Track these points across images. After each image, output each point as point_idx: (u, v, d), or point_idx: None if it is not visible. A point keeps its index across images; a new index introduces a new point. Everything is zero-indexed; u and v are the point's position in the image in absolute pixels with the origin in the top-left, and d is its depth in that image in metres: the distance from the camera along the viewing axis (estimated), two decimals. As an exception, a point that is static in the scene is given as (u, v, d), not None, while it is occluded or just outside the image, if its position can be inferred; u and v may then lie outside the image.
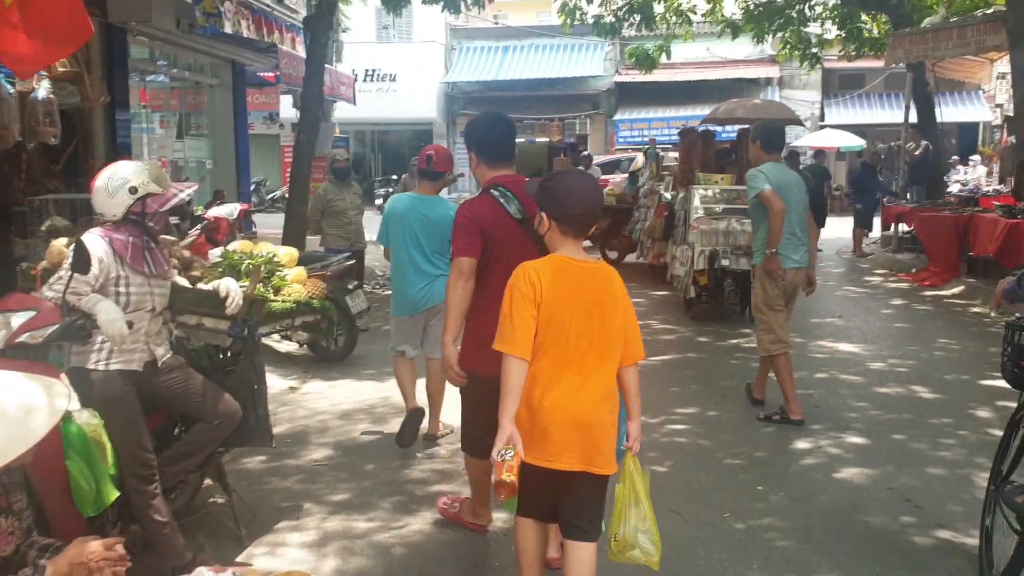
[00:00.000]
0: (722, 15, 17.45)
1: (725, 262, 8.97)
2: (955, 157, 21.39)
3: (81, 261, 3.32)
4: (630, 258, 13.48)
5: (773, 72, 26.47)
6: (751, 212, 6.07)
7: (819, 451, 5.24)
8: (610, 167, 22.37)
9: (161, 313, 3.73)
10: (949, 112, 22.83)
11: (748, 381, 6.36)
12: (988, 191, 16.07)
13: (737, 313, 9.37)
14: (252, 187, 18.53)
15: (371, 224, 8.05)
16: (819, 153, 17.86)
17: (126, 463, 3.50)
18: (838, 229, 16.64)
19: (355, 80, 18.26)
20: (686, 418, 5.92)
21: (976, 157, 20.86)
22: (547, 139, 28.09)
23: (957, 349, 7.93)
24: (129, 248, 3.53)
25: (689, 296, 9.41)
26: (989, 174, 20.99)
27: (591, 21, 16.31)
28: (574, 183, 3.02)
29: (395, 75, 28.24)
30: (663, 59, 18.14)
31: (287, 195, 12.66)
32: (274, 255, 4.41)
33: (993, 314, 9.34)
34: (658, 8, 16.26)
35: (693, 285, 9.26)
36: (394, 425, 5.69)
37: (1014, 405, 3.62)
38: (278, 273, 4.30)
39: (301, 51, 13.40)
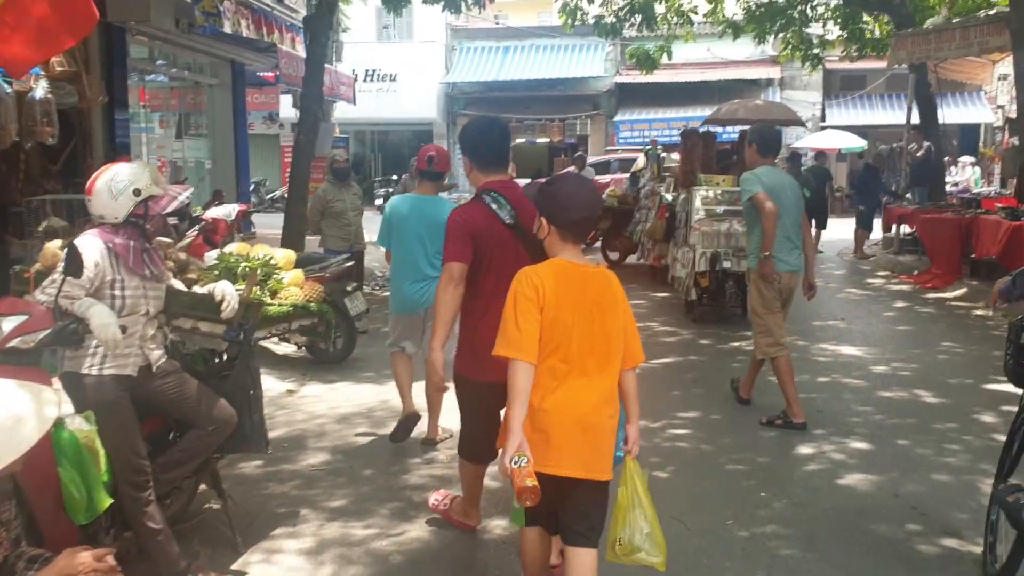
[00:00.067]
0: (723, 15, 17.39)
1: (727, 264, 8.92)
2: (947, 158, 21.34)
3: (74, 265, 3.26)
4: (631, 259, 13.43)
5: (774, 73, 26.40)
6: (745, 215, 6.09)
7: (823, 456, 5.18)
8: (601, 168, 22.30)
9: (156, 317, 3.68)
10: (951, 113, 22.77)
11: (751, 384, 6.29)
12: (981, 192, 16.05)
13: (739, 315, 9.30)
14: (252, 187, 18.49)
15: (371, 225, 7.99)
16: (819, 155, 17.82)
17: (119, 470, 3.45)
18: (839, 231, 16.58)
19: (355, 80, 18.22)
20: (687, 422, 5.86)
21: (966, 158, 20.80)
22: (547, 140, 28.17)
23: (960, 352, 7.87)
24: (131, 251, 3.50)
25: (690, 298, 9.36)
26: (988, 176, 20.96)
27: (592, 21, 16.24)
28: (573, 188, 3.02)
29: (395, 75, 28.19)
30: (664, 60, 18.08)
31: (287, 195, 12.60)
32: (271, 257, 4.35)
33: (991, 313, 9.31)
34: (659, 8, 16.19)
35: (694, 287, 9.21)
36: (392, 428, 5.67)
37: (1017, 408, 3.63)
38: (275, 276, 4.24)
39: (301, 51, 13.34)
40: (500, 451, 2.94)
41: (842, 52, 18.00)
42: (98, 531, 3.49)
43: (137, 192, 3.50)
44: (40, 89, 7.80)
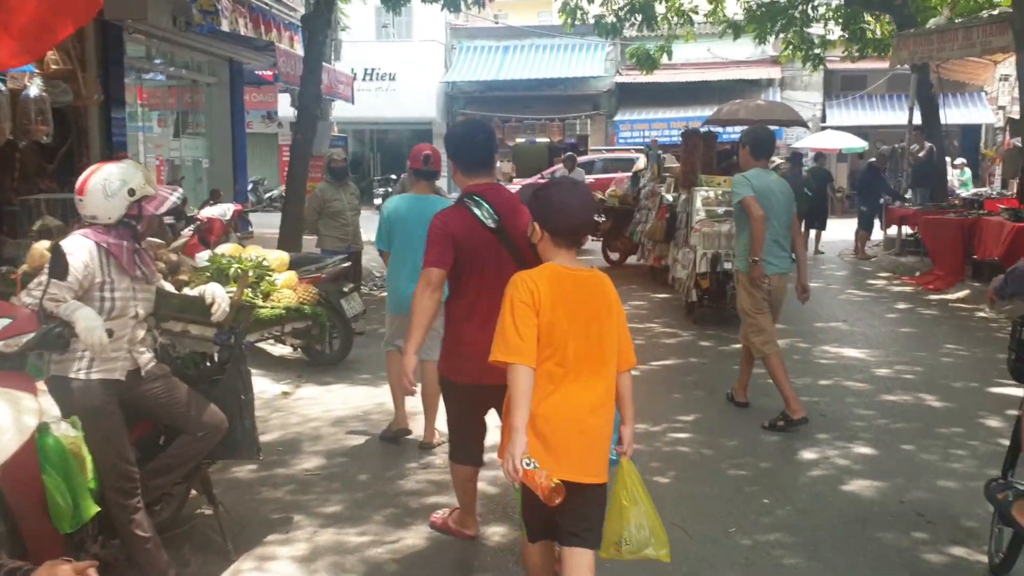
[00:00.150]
0: (724, 15, 17.31)
1: (727, 265, 8.82)
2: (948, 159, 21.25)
3: (59, 266, 3.17)
4: (631, 260, 13.35)
5: (775, 73, 26.32)
6: (735, 217, 6.12)
7: (826, 462, 5.09)
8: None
9: (145, 319, 3.60)
10: (952, 114, 22.64)
11: (751, 387, 6.21)
12: (982, 194, 15.94)
13: (740, 317, 9.20)
14: (250, 186, 18.43)
15: (369, 225, 7.89)
16: (819, 155, 17.73)
17: (107, 476, 3.37)
18: (840, 231, 16.50)
19: (354, 79, 18.14)
20: (688, 426, 5.78)
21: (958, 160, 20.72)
22: (547, 140, 28.08)
23: (964, 355, 7.78)
24: (124, 252, 3.43)
25: (691, 299, 9.28)
26: (989, 177, 20.87)
27: (592, 21, 16.15)
28: (567, 194, 3.01)
29: (394, 74, 28.08)
30: (664, 59, 18.02)
31: (284, 195, 12.52)
32: (263, 259, 4.27)
33: (994, 315, 9.24)
34: (659, 8, 16.11)
35: (695, 288, 9.13)
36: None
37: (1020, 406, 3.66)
38: (268, 278, 4.16)
39: (299, 49, 13.27)
40: (503, 456, 2.90)
41: (843, 52, 17.92)
42: (85, 539, 3.40)
43: (132, 192, 3.44)
44: (34, 87, 7.72)
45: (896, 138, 20.54)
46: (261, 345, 7.19)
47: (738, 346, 8.10)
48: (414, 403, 5.53)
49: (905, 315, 9.89)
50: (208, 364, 3.98)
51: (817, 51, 17.39)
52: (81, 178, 3.49)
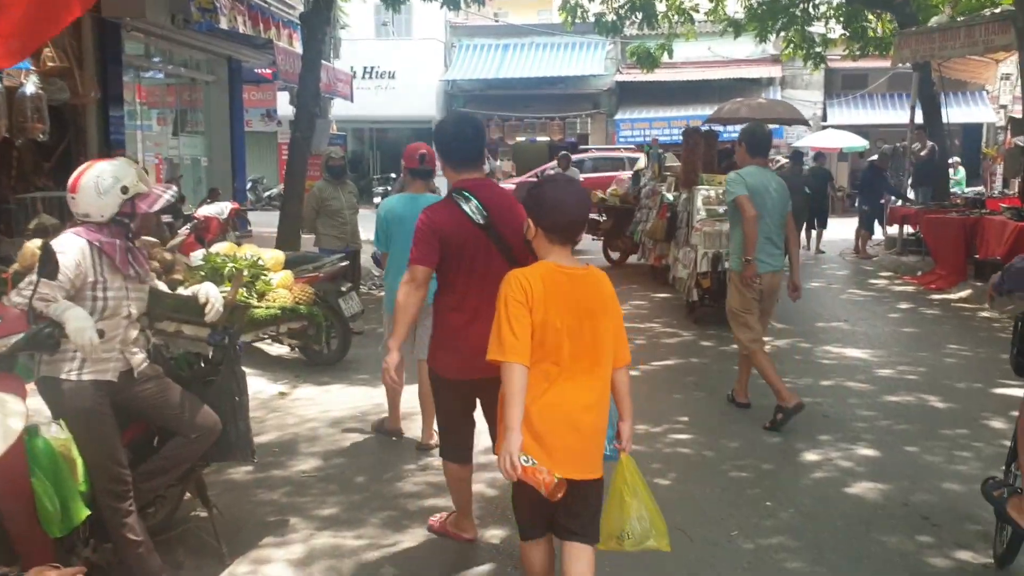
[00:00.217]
0: (724, 14, 17.25)
1: (728, 265, 8.76)
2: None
3: (49, 266, 3.11)
4: (631, 259, 13.29)
5: (775, 72, 26.26)
6: (728, 215, 6.16)
7: (829, 464, 5.03)
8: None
9: (138, 319, 3.54)
10: (953, 113, 22.60)
11: (752, 388, 6.15)
12: (975, 192, 15.89)
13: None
14: (249, 185, 18.36)
15: (368, 223, 7.83)
16: (819, 155, 17.67)
17: (98, 479, 3.31)
18: (841, 231, 16.44)
19: (353, 77, 18.07)
20: (689, 427, 5.72)
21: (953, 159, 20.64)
22: (548, 138, 28.01)
23: (968, 355, 7.72)
24: (117, 250, 3.37)
25: (692, 299, 9.22)
26: (990, 176, 20.80)
27: (592, 19, 16.10)
28: (561, 191, 3.00)
29: (394, 72, 28.01)
30: (664, 58, 17.96)
31: (283, 193, 12.46)
32: (259, 258, 4.21)
33: (996, 314, 9.18)
34: (660, 7, 16.05)
35: (696, 288, 9.06)
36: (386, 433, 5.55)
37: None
38: (263, 277, 4.09)
39: (298, 47, 13.20)
40: (498, 454, 2.91)
41: (844, 51, 17.84)
42: (76, 543, 3.35)
43: (125, 189, 3.39)
44: (30, 85, 7.65)
45: (897, 137, 20.47)
46: (258, 345, 7.13)
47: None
48: (413, 404, 5.48)
49: (907, 315, 9.83)
50: (202, 365, 3.91)
51: (818, 50, 17.33)
52: (73, 176, 3.43)
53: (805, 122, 16.87)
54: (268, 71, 14.53)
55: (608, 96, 27.88)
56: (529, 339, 2.83)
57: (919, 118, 15.36)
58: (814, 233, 15.46)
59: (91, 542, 3.42)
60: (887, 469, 4.93)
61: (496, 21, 29.48)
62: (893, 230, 15.11)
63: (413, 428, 5.56)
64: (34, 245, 4.15)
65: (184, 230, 7.44)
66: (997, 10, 12.94)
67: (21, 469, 2.99)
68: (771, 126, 8.95)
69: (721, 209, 9.37)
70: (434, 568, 3.84)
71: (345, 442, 5.50)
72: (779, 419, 5.58)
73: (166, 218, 8.51)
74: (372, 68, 27.51)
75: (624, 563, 3.65)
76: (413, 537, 4.11)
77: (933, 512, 4.33)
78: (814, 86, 26.82)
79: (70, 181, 3.42)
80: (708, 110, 18.34)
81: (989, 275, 10.70)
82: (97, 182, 3.36)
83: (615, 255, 13.65)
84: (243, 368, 3.89)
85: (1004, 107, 23.15)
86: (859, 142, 24.29)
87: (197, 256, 4.51)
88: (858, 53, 17.10)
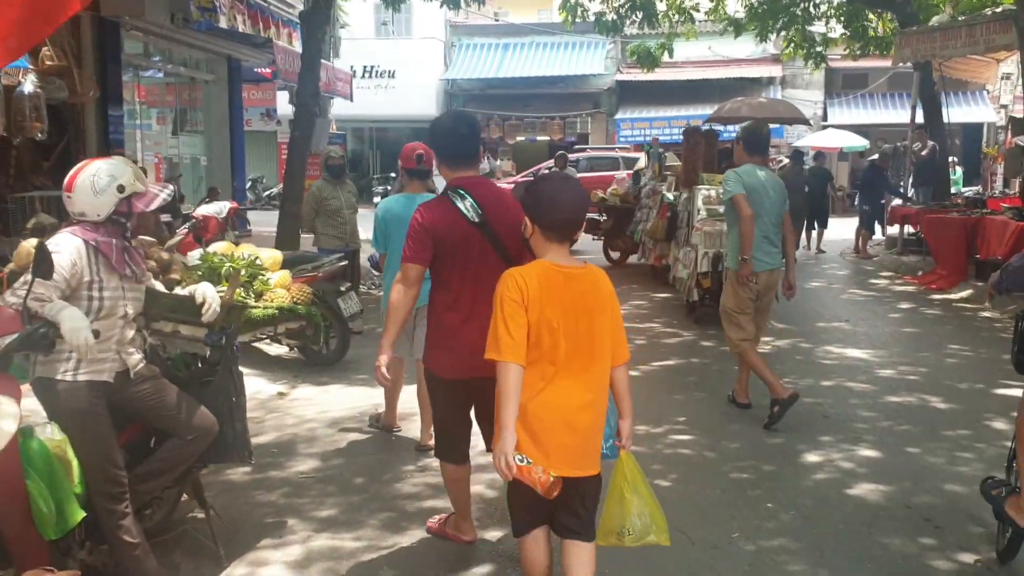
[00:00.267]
0: (725, 13, 17.21)
1: (726, 263, 8.73)
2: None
3: (44, 265, 3.08)
4: (632, 259, 13.26)
5: (776, 71, 26.23)
6: (725, 214, 6.16)
7: (831, 465, 5.00)
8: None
9: (134, 320, 3.51)
10: (954, 112, 22.56)
11: (752, 389, 6.12)
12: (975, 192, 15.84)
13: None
14: (248, 184, 18.33)
15: (367, 223, 7.80)
16: (819, 155, 17.63)
17: (94, 481, 3.28)
18: (841, 231, 16.41)
19: (353, 76, 18.05)
20: (690, 428, 5.69)
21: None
22: (548, 138, 27.98)
23: (969, 356, 7.69)
24: (114, 249, 3.34)
25: (692, 299, 9.19)
26: (991, 176, 20.75)
27: (593, 19, 16.05)
28: (557, 188, 2.99)
29: (394, 71, 27.98)
30: (665, 58, 17.92)
31: (282, 192, 12.43)
32: (256, 258, 4.18)
33: (990, 308, 9.16)
34: (660, 6, 16.00)
35: (696, 288, 9.04)
36: (386, 433, 5.51)
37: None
38: (260, 277, 4.06)
39: (298, 47, 13.17)
40: (493, 453, 2.89)
41: (845, 50, 17.80)
42: (71, 546, 3.33)
43: (121, 188, 3.36)
44: (28, 84, 7.63)
45: (898, 137, 20.44)
46: (257, 345, 7.11)
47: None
48: (412, 405, 5.45)
49: (908, 315, 9.80)
50: (199, 365, 3.88)
51: (819, 49, 17.30)
52: (69, 174, 3.40)
53: (806, 121, 16.83)
54: (268, 70, 14.52)
55: (608, 95, 27.85)
56: (525, 338, 2.83)
57: (920, 118, 15.32)
58: (814, 233, 15.44)
59: (87, 544, 3.39)
60: (889, 470, 4.90)
61: (496, 20, 29.45)
62: (894, 230, 15.09)
63: (412, 429, 5.53)
64: (30, 244, 4.13)
65: (182, 229, 7.41)
66: (998, 9, 12.90)
67: (16, 471, 2.96)
68: (772, 125, 8.91)
69: (721, 209, 9.37)
70: (433, 570, 3.81)
71: (344, 443, 5.47)
72: (776, 412, 5.56)
73: (165, 217, 8.49)
74: (372, 67, 27.48)
75: (624, 564, 3.62)
76: (412, 538, 4.09)
77: (935, 514, 4.30)
78: (814, 86, 26.79)
79: (66, 180, 3.40)
80: (708, 110, 18.29)
81: (990, 275, 10.76)
82: (93, 181, 3.33)
83: (615, 255, 13.62)
84: (241, 368, 3.87)
85: (1005, 107, 23.12)
86: (859, 142, 24.26)
87: (194, 256, 4.48)
88: (859, 52, 17.06)
